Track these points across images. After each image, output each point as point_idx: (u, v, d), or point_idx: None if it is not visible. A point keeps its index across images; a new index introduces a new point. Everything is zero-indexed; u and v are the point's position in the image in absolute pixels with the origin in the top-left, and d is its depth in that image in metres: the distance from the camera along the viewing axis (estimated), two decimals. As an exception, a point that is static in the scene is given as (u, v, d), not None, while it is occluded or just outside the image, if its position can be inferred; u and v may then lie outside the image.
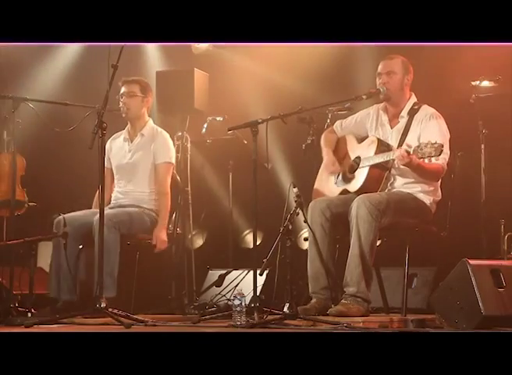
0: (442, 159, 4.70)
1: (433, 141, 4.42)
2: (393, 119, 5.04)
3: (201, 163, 6.71)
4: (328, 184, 5.18)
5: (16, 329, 4.34)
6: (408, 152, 4.58)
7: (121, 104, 5.52)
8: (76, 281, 5.21)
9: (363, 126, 5.15)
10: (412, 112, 4.96)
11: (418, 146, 4.46)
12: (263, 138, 4.50)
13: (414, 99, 5.02)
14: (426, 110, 4.95)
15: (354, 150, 5.10)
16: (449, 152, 4.81)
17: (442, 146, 4.39)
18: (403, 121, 4.98)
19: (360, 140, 5.12)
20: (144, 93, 5.57)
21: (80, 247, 5.30)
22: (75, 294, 5.19)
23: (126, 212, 5.37)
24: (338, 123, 5.27)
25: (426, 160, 4.51)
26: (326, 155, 5.21)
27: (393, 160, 4.76)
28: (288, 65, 6.78)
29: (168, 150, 5.59)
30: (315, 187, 5.26)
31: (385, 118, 5.06)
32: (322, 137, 5.29)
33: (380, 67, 5.01)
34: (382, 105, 5.08)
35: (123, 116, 5.55)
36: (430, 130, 4.83)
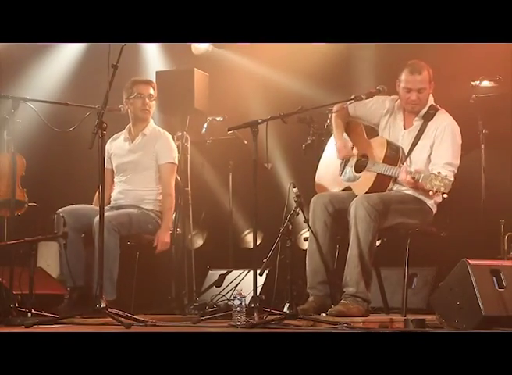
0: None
1: (444, 174, 4.40)
2: (408, 120, 4.99)
3: (201, 163, 6.71)
4: (333, 174, 5.14)
5: (16, 329, 4.33)
6: (414, 179, 4.54)
7: (140, 104, 5.55)
8: (78, 274, 5.21)
9: (376, 114, 5.06)
10: (427, 117, 4.91)
11: (428, 176, 4.41)
12: (263, 138, 4.50)
13: (431, 101, 4.96)
14: (441, 117, 4.90)
15: (363, 145, 5.05)
16: (459, 162, 4.81)
17: (452, 182, 4.38)
18: (416, 124, 4.93)
19: (370, 132, 5.08)
20: (155, 94, 5.63)
21: (83, 235, 5.31)
22: (83, 281, 5.22)
23: (126, 214, 5.38)
24: (351, 105, 5.04)
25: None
26: (337, 138, 5.10)
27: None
28: (288, 65, 6.78)
29: (171, 150, 5.61)
30: (317, 176, 5.23)
31: (400, 117, 5.01)
32: (333, 118, 5.16)
33: (410, 82, 4.85)
34: (399, 102, 5.00)
35: (145, 117, 5.59)
36: (443, 143, 4.81)
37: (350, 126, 5.18)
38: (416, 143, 4.89)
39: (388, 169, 4.79)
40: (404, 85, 4.88)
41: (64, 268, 5.23)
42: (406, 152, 4.88)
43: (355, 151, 5.10)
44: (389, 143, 4.90)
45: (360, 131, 5.13)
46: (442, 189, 4.37)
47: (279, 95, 6.59)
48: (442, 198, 4.52)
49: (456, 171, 4.75)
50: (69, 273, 5.19)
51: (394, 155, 4.85)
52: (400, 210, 4.79)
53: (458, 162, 4.80)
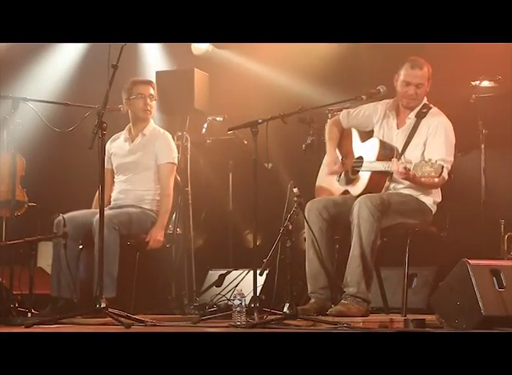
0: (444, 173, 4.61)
1: (434, 160, 4.40)
2: (401, 119, 5.00)
3: (201, 163, 6.71)
4: (331, 182, 5.16)
5: (16, 329, 4.33)
6: (406, 169, 4.56)
7: (141, 105, 5.53)
8: (76, 281, 5.20)
9: (370, 120, 5.09)
10: (420, 115, 4.93)
11: (419, 163, 4.42)
12: (263, 138, 4.50)
13: (424, 100, 4.97)
14: (434, 115, 4.91)
15: (357, 149, 5.08)
16: (452, 159, 4.81)
17: (443, 167, 4.38)
18: (409, 123, 4.95)
19: (364, 136, 5.10)
20: (155, 94, 5.63)
21: (80, 247, 5.30)
22: (75, 293, 5.19)
23: (126, 213, 5.37)
24: (344, 113, 5.17)
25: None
26: (329, 152, 5.16)
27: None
28: (288, 65, 6.78)
29: (171, 150, 5.60)
30: (318, 183, 5.24)
31: (392, 117, 5.02)
32: (326, 128, 5.22)
33: (409, 76, 4.87)
34: (391, 102, 5.03)
35: (146, 117, 5.58)
36: (437, 140, 4.82)
37: (344, 134, 5.21)
38: (409, 141, 4.91)
39: (380, 165, 4.80)
40: (404, 78, 4.90)
41: (63, 272, 5.21)
42: (400, 151, 4.88)
43: (347, 161, 5.11)
44: (381, 142, 4.92)
45: (355, 137, 5.15)
46: (432, 174, 4.37)
47: (279, 95, 6.59)
48: (437, 185, 4.53)
49: (450, 168, 4.76)
50: (69, 275, 5.17)
51: (388, 153, 4.86)
52: (400, 210, 4.80)
53: (452, 159, 4.81)
